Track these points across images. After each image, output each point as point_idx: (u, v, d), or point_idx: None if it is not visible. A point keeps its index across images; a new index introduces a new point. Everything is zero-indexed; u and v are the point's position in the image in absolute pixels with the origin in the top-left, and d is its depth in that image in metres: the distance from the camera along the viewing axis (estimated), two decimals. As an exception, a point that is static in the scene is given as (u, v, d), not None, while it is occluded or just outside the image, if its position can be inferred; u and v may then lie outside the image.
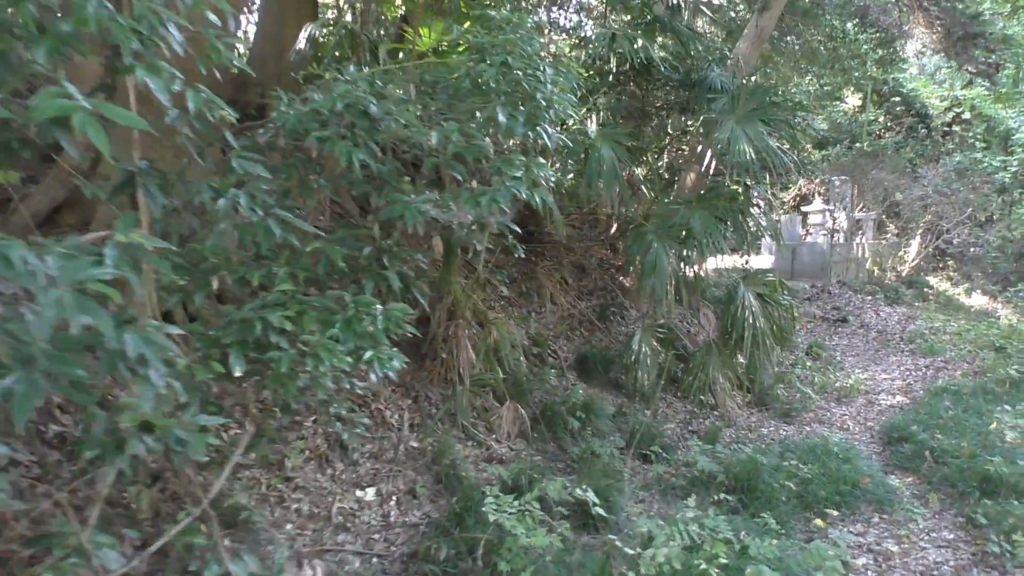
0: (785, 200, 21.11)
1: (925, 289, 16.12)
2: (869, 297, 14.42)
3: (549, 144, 3.17)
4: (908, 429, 6.59)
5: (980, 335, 10.57)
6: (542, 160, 3.14)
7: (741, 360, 7.42)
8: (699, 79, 7.28)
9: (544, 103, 3.17)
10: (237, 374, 2.57)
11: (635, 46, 6.65)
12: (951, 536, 4.73)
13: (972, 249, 18.55)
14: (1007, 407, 6.70)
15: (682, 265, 6.52)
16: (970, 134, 20.14)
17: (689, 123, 7.92)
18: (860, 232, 17.11)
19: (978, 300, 16.18)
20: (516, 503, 3.87)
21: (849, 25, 13.65)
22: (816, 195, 19.01)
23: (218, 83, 2.69)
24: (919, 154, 19.10)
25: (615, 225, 8.77)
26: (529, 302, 7.39)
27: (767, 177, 6.68)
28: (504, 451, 5.43)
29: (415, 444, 4.98)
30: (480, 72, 3.20)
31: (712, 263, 9.52)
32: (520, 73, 3.21)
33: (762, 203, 14.68)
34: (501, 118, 3.00)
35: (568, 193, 8.54)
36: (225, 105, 2.48)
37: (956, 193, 16.53)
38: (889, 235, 18.77)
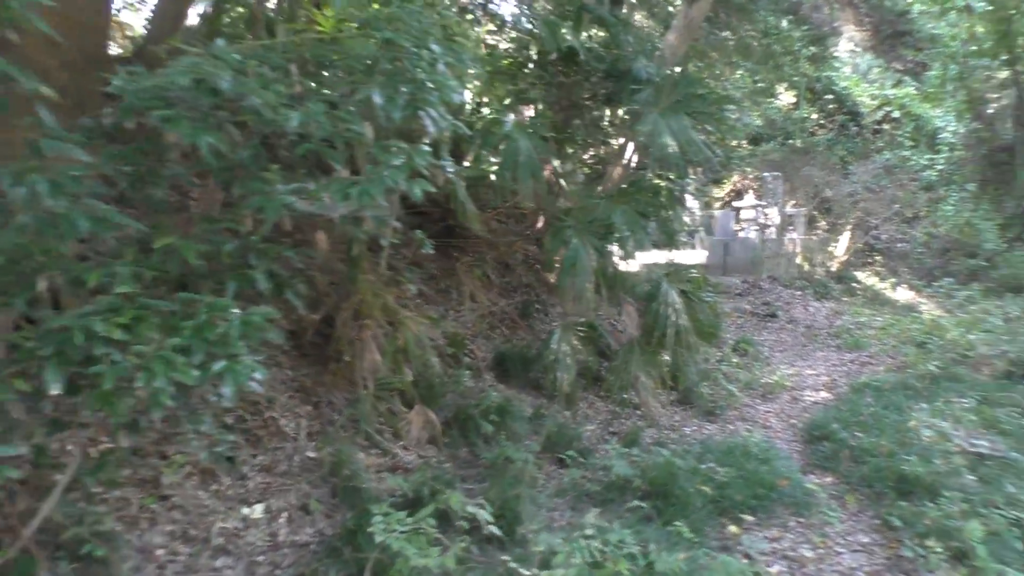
0: (720, 196, 21.25)
1: (853, 284, 16.36)
2: (799, 292, 14.54)
3: (431, 129, 2.88)
4: (829, 427, 6.52)
5: (904, 330, 10.69)
6: (426, 147, 2.84)
7: (666, 358, 7.27)
8: (625, 70, 7.06)
9: (430, 85, 2.87)
10: (53, 392, 2.22)
11: (556, 33, 6.39)
12: (867, 540, 4.62)
13: (899, 245, 18.93)
14: (924, 404, 6.68)
15: (605, 261, 6.28)
16: (899, 132, 20.58)
17: (615, 116, 7.71)
18: (791, 228, 17.26)
19: (904, 295, 16.47)
20: (410, 520, 3.59)
21: (783, 22, 13.68)
22: (750, 191, 19.15)
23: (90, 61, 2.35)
24: (850, 151, 19.40)
25: (541, 220, 8.52)
26: (448, 300, 7.10)
27: (691, 171, 6.50)
28: (412, 459, 5.14)
29: (312, 454, 4.65)
30: (360, 49, 2.90)
31: (646, 259, 9.39)
32: (406, 51, 2.91)
33: (690, 197, 14.70)
34: (376, 99, 2.70)
35: (493, 187, 8.29)
36: (36, 78, 2.12)
37: (884, 190, 16.81)
38: (819, 231, 19.01)
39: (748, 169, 19.05)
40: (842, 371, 9.57)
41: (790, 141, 18.91)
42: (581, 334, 6.79)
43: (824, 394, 8.45)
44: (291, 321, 5.38)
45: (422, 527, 3.49)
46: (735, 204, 17.57)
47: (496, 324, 7.29)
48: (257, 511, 4.11)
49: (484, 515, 3.58)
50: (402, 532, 3.44)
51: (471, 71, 3.94)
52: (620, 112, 7.34)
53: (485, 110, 5.71)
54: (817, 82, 20.22)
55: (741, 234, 16.56)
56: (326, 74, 3.13)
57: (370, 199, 2.59)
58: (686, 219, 19.29)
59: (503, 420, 5.76)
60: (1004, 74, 17.57)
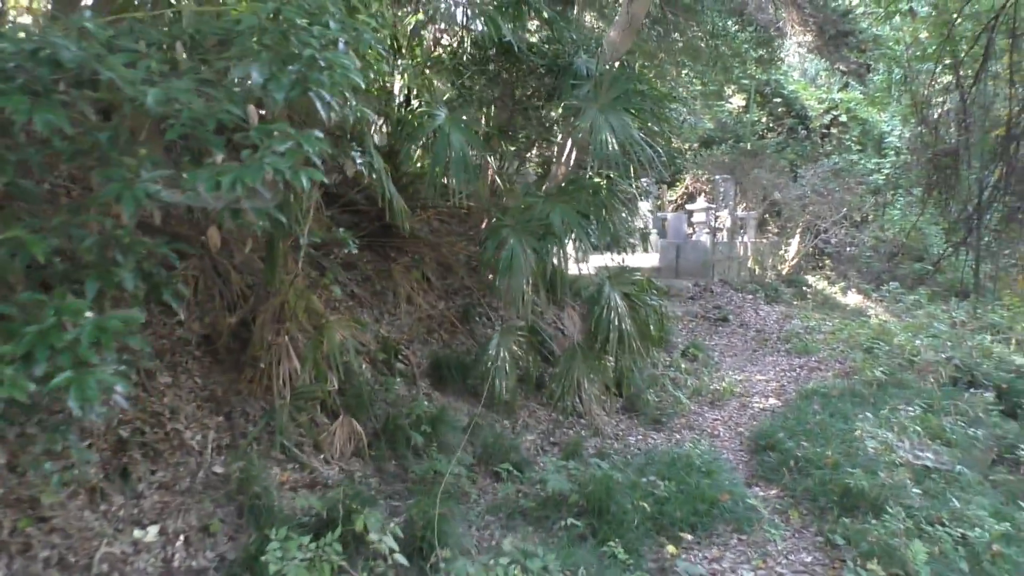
0: (672, 198, 21.21)
1: (804, 288, 16.38)
2: (750, 296, 14.47)
3: (323, 114, 2.55)
4: (775, 436, 6.32)
5: (852, 335, 10.60)
6: (318, 134, 2.52)
7: (612, 363, 7.03)
8: (565, 65, 6.82)
9: (323, 64, 2.55)
10: None
11: (495, 26, 6.10)
12: (809, 559, 4.38)
13: (848, 249, 19.06)
14: (870, 413, 6.53)
15: (545, 262, 6.00)
16: (847, 136, 20.78)
17: (554, 113, 7.45)
18: (742, 231, 17.23)
19: (853, 299, 16.54)
20: (313, 545, 3.25)
21: (730, 23, 13.62)
22: (702, 194, 19.11)
23: None
24: (799, 155, 19.51)
25: (485, 220, 8.22)
26: (383, 303, 6.75)
27: (636, 171, 6.26)
28: (333, 473, 4.79)
29: (219, 470, 4.27)
30: (246, 22, 2.56)
31: (600, 262, 9.14)
32: (296, 26, 2.59)
33: (640, 198, 14.53)
34: (255, 76, 2.38)
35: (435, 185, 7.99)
36: None
37: (832, 193, 16.87)
38: (770, 234, 19.05)
39: (700, 172, 19.01)
40: (791, 377, 9.43)
41: (740, 144, 18.92)
42: (522, 339, 6.50)
43: (773, 401, 8.28)
44: (204, 325, 5.02)
45: (325, 554, 3.16)
46: (687, 207, 17.48)
47: (434, 328, 6.96)
48: (151, 533, 3.73)
49: (389, 542, 3.25)
50: (302, 560, 3.10)
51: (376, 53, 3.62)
52: (560, 109, 7.06)
53: (415, 103, 5.39)
54: (766, 85, 20.32)
55: (693, 237, 16.48)
56: (209, 50, 2.78)
57: (245, 189, 2.26)
58: (637, 221, 19.29)
59: (436, 430, 5.44)
60: (947, 78, 17.79)
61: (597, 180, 6.14)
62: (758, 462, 6.09)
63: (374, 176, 5.09)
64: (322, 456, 4.87)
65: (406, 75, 5.24)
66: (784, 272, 17.36)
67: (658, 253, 16.38)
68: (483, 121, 8.70)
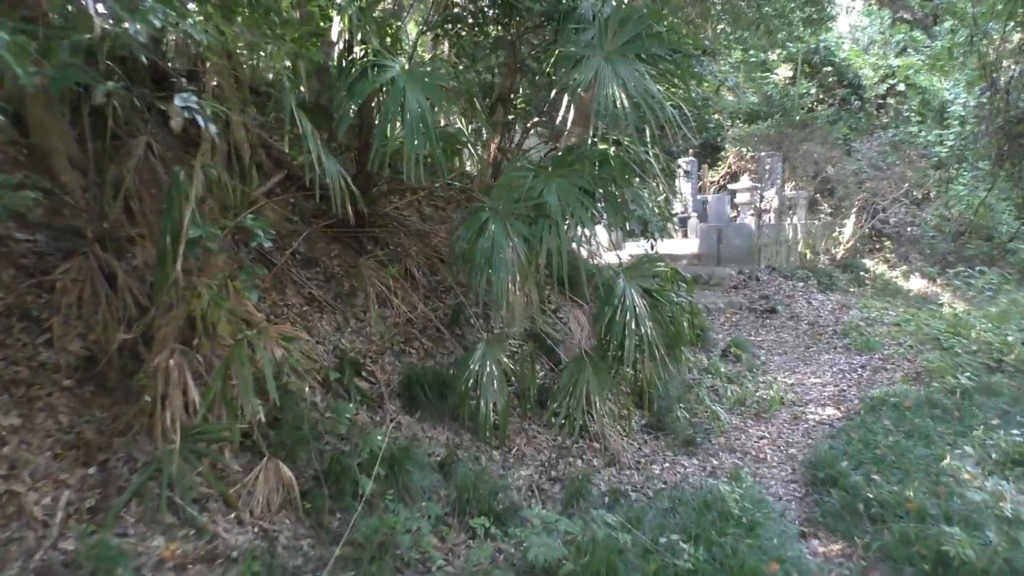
0: (714, 179, 19.75)
1: (861, 273, 14.81)
2: (801, 283, 13.00)
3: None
4: (837, 465, 5.00)
5: (921, 327, 9.16)
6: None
7: (633, 372, 5.75)
8: (567, 10, 5.54)
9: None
10: None
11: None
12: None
13: (909, 229, 17.40)
14: (958, 433, 5.16)
15: (538, 252, 4.73)
16: (905, 106, 19.03)
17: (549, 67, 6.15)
18: (791, 212, 15.70)
19: (917, 284, 14.93)
20: None
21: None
22: (745, 173, 17.58)
23: None
24: (852, 128, 17.82)
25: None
26: (350, 306, 5.58)
27: (649, 134, 4.96)
28: (246, 539, 3.62)
29: (70, 546, 3.13)
30: None
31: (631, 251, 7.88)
32: None
33: (677, 176, 13.14)
34: None
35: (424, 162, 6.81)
36: None
37: (892, 167, 15.21)
38: (822, 215, 17.43)
39: (744, 148, 17.47)
40: (851, 379, 8.02)
41: (788, 117, 17.33)
42: (514, 348, 5.27)
43: (831, 411, 6.92)
44: (86, 344, 3.88)
45: None
46: (730, 187, 16.01)
47: (414, 336, 5.76)
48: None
49: None
50: None
51: None
52: (553, 60, 5.77)
53: (358, 50, 4.17)
54: (815, 53, 18.66)
55: (737, 220, 15.04)
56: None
57: None
58: (676, 203, 17.83)
59: (396, 471, 4.25)
60: (1018, 37, 15.99)
61: (603, 147, 4.86)
62: (816, 501, 4.78)
63: (306, 142, 3.91)
64: (234, 515, 3.70)
65: (347, 15, 4.02)
66: (839, 256, 15.77)
67: (698, 238, 14.99)
68: (482, 90, 7.49)
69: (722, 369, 7.77)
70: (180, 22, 2.54)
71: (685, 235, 16.83)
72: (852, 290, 13.29)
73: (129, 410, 3.71)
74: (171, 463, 3.47)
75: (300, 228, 5.76)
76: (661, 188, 5.51)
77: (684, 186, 17.85)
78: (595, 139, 4.98)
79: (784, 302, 11.80)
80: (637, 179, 5.13)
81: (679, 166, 17.96)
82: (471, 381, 4.82)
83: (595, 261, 6.56)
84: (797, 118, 16.25)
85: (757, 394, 7.31)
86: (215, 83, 5.47)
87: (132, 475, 3.54)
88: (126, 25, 2.19)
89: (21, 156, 4.43)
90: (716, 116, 15.35)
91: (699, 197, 18.15)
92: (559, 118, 5.45)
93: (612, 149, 4.86)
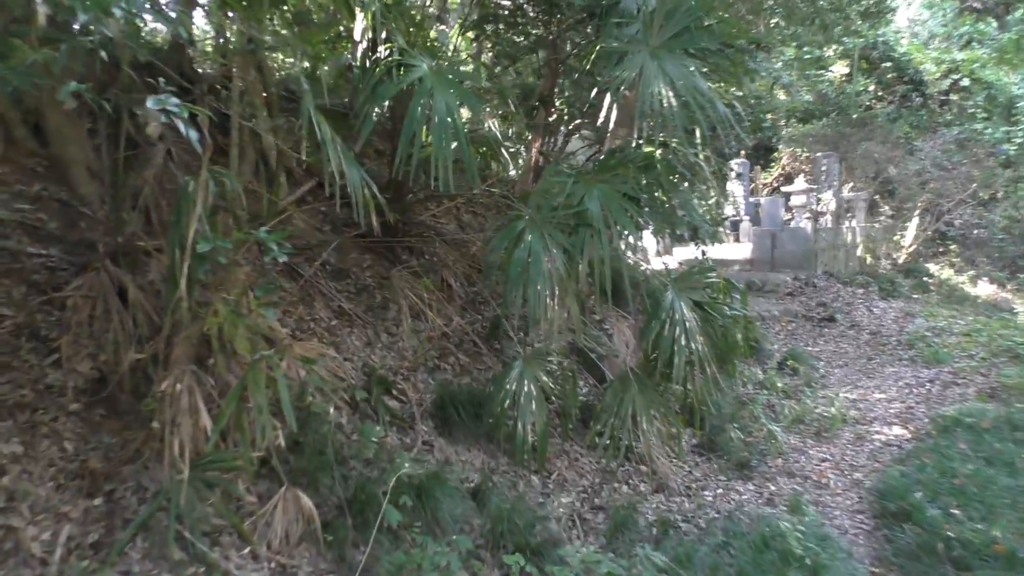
0: (767, 181, 19.13)
1: (925, 278, 14.07)
2: (861, 290, 12.38)
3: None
4: (910, 496, 4.55)
5: (994, 337, 8.54)
6: None
7: (681, 388, 5.36)
8: (610, 4, 5.20)
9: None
10: None
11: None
12: None
13: (976, 231, 16.53)
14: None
15: (578, 263, 4.38)
16: (969, 103, 18.13)
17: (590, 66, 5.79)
18: (850, 215, 15.03)
19: (985, 289, 14.14)
20: None
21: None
22: (800, 174, 16.93)
23: None
24: (914, 126, 17.00)
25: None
26: (381, 320, 5.31)
27: (700, 135, 4.58)
28: (260, 576, 3.36)
29: (67, 587, 2.91)
30: None
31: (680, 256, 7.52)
32: None
33: (729, 178, 12.65)
34: None
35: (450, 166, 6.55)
36: None
37: (958, 167, 14.43)
38: (883, 217, 16.67)
39: (798, 149, 16.81)
40: (920, 395, 7.48)
41: (845, 114, 16.61)
42: (555, 365, 4.94)
43: (898, 430, 6.42)
44: (96, 364, 3.67)
45: None
46: (783, 189, 15.41)
47: (449, 351, 5.47)
48: None
49: None
50: None
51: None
52: (592, 57, 5.42)
53: (383, 49, 3.89)
54: (872, 49, 17.89)
55: (792, 224, 14.46)
56: None
57: None
58: (726, 207, 17.25)
59: (425, 499, 3.95)
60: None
61: (648, 150, 4.50)
62: (887, 537, 4.33)
63: (326, 148, 3.64)
64: (248, 549, 3.44)
65: (370, 12, 3.74)
66: (900, 261, 15.04)
67: (750, 243, 14.45)
68: (522, 92, 7.18)
69: (778, 384, 7.31)
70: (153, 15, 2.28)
71: (737, 239, 16.27)
72: (916, 297, 12.62)
73: (139, 435, 3.49)
74: (179, 494, 3.22)
75: (331, 238, 5.52)
76: (712, 192, 5.12)
77: (736, 189, 17.29)
78: (640, 141, 4.61)
79: (843, 310, 11.23)
80: (685, 183, 4.74)
81: (731, 168, 17.43)
82: (507, 401, 4.50)
83: (643, 268, 6.21)
84: (855, 116, 15.54)
85: (817, 411, 6.84)
86: (241, 87, 5.28)
87: (141, 506, 3.31)
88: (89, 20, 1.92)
89: (40, 168, 4.27)
90: (769, 116, 14.75)
91: (751, 200, 17.56)
92: (600, 119, 5.10)
93: (658, 151, 4.49)
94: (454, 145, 3.95)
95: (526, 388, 4.57)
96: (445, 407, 4.78)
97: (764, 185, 19.20)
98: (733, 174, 17.44)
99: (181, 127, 2.27)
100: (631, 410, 4.86)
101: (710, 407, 5.63)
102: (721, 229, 16.92)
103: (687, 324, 4.79)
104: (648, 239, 12.10)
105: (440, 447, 4.59)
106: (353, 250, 5.73)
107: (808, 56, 17.50)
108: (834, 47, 16.11)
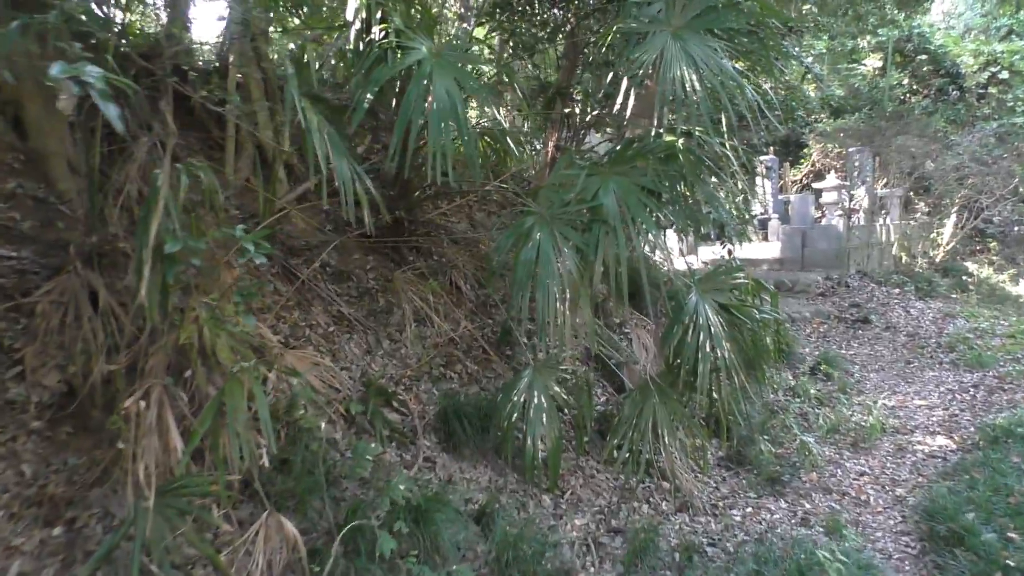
0: (797, 177, 18.58)
1: (964, 277, 13.48)
2: (896, 290, 11.85)
3: None
4: (961, 517, 4.12)
5: (1042, 339, 8.02)
6: None
7: (707, 398, 4.96)
8: (630, -16, 4.81)
9: None
10: None
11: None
12: None
13: (1016, 228, 15.89)
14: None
15: (592, 263, 4.00)
16: (1008, 96, 17.45)
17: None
18: (883, 211, 14.46)
19: (1028, 288, 13.54)
20: None
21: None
22: (832, 170, 16.37)
23: None
24: (950, 120, 16.36)
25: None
26: (384, 325, 4.98)
27: (726, 123, 4.18)
28: (236, 613, 3.04)
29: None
30: None
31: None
32: None
33: (755, 172, 12.16)
34: None
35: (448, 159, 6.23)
36: None
37: (998, 161, 13.82)
38: (918, 214, 16.06)
39: (830, 144, 16.25)
40: (964, 401, 7.00)
41: (879, 108, 16.02)
42: (568, 374, 4.57)
43: (942, 441, 5.97)
44: (64, 377, 3.37)
45: None
46: (814, 186, 14.87)
47: (457, 358, 5.12)
48: None
49: None
50: None
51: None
52: (609, 39, 5.03)
53: (377, 30, 3.55)
54: (907, 41, 17.28)
55: (823, 221, 13.94)
56: None
57: None
58: (754, 204, 16.71)
59: (423, 524, 3.60)
60: None
61: (669, 139, 4.11)
62: (936, 564, 3.91)
63: (311, 138, 3.32)
64: (224, 582, 3.12)
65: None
66: (937, 259, 14.45)
67: (779, 241, 13.95)
68: (540, 84, 6.82)
69: (811, 390, 6.87)
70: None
71: (765, 238, 15.74)
72: (954, 296, 12.06)
73: (109, 454, 3.18)
74: (145, 522, 2.90)
75: (332, 238, 5.20)
76: (740, 186, 4.72)
77: (764, 185, 16.77)
78: (661, 131, 4.23)
79: (878, 310, 10.73)
80: (712, 177, 4.35)
81: (760, 163, 16.90)
82: (515, 414, 4.14)
83: (665, 269, 5.82)
84: (890, 110, 14.95)
85: (853, 419, 6.39)
86: (239, 77, 4.98)
87: (107, 535, 3.00)
88: None
89: (17, 163, 3.99)
90: (800, 111, 14.25)
91: (780, 197, 17.02)
92: (617, 106, 4.71)
93: (680, 141, 4.10)
94: (457, 138, 3.61)
95: (536, 399, 4.21)
96: (449, 420, 4.43)
97: (793, 182, 18.63)
98: (762, 169, 16.93)
99: (98, 100, 1.94)
100: (652, 422, 4.48)
101: (738, 417, 5.25)
102: (749, 227, 16.46)
103: (712, 329, 4.40)
104: (671, 238, 11.69)
105: (443, 464, 4.24)
106: (356, 251, 5.41)
107: (840, 49, 16.99)
108: (867, 39, 15.55)
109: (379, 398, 4.31)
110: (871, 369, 8.43)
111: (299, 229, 5.20)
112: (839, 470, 5.49)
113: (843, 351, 9.10)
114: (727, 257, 7.45)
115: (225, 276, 3.99)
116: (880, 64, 18.06)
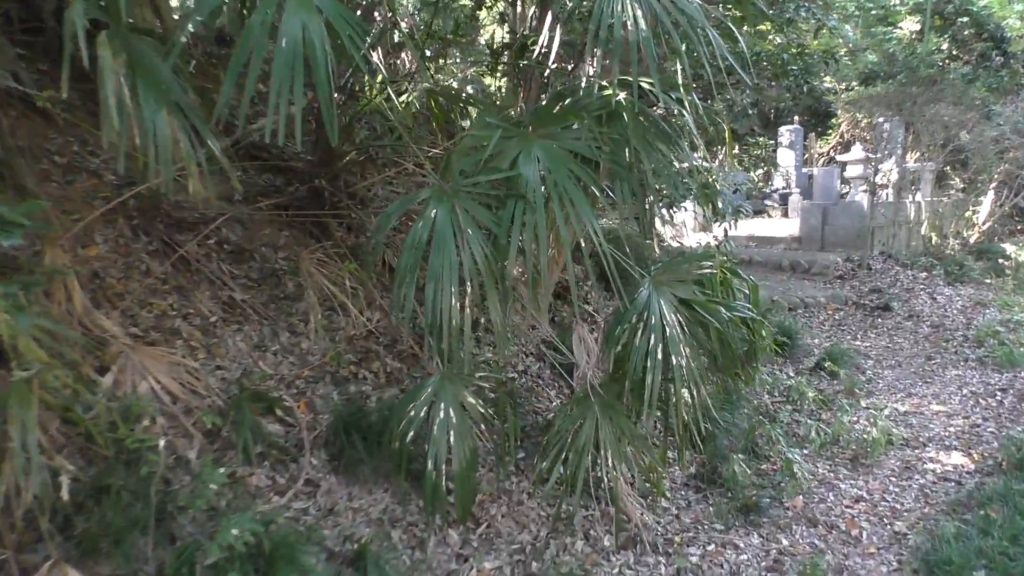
0: (822, 150, 17.45)
1: (1000, 260, 12.37)
2: (923, 274, 10.83)
3: None
4: (970, 570, 3.27)
5: (1085, 335, 7.04)
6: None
7: (670, 414, 4.14)
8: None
9: None
10: None
11: None
12: None
13: (1059, 208, 14.66)
14: None
15: (505, 249, 3.17)
16: (1057, 63, 16.10)
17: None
18: (914, 187, 13.35)
19: (1071, 274, 12.38)
20: None
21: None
22: (858, 141, 15.22)
23: None
24: (992, 88, 15.06)
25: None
26: (287, 314, 4.21)
27: (682, 74, 3.29)
28: None
29: None
30: None
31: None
32: None
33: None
34: None
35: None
36: None
37: (1043, 134, 12.63)
38: (952, 191, 14.88)
39: (858, 113, 15.10)
40: (988, 408, 6.09)
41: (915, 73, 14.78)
42: (483, 383, 3.78)
43: (958, 458, 5.10)
44: None
45: None
46: (839, 159, 13.80)
47: (374, 354, 4.34)
48: None
49: None
50: None
51: None
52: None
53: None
54: (948, 2, 15.94)
55: (848, 197, 12.90)
56: None
57: None
58: (776, 178, 15.65)
59: (273, 573, 2.85)
60: None
61: (608, 93, 3.26)
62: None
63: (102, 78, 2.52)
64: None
65: None
66: (972, 240, 13.33)
67: (798, 219, 12.95)
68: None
69: (809, 393, 5.98)
70: None
71: (785, 214, 14.73)
72: (988, 282, 10.98)
73: None
74: None
75: (235, 210, 4.44)
76: (701, 156, 3.85)
77: (787, 157, 15.71)
78: (601, 82, 3.36)
79: (901, 296, 9.75)
80: (661, 143, 3.47)
81: (785, 132, 15.79)
82: (411, 432, 3.36)
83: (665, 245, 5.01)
84: (923, 75, 13.73)
85: (856, 428, 5.53)
86: None
87: None
88: None
89: None
90: (821, 76, 13.12)
91: (804, 171, 15.94)
92: (539, 49, 3.83)
93: (623, 95, 3.24)
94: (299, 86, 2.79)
95: (443, 413, 3.42)
96: (346, 432, 3.66)
97: (820, 155, 17.50)
98: (786, 141, 15.83)
99: None
100: (592, 439, 3.68)
101: (710, 429, 4.43)
102: (769, 203, 15.41)
103: (667, 330, 3.57)
104: (688, 211, 10.77)
105: (328, 488, 3.49)
106: (267, 226, 4.64)
107: (873, 11, 15.74)
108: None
109: (256, 405, 3.56)
110: (886, 365, 7.51)
111: (194, 198, 4.45)
112: (831, 494, 4.66)
113: (858, 342, 8.19)
114: (723, 237, 6.56)
115: (53, 257, 3.27)
116: (918, 27, 16.75)
